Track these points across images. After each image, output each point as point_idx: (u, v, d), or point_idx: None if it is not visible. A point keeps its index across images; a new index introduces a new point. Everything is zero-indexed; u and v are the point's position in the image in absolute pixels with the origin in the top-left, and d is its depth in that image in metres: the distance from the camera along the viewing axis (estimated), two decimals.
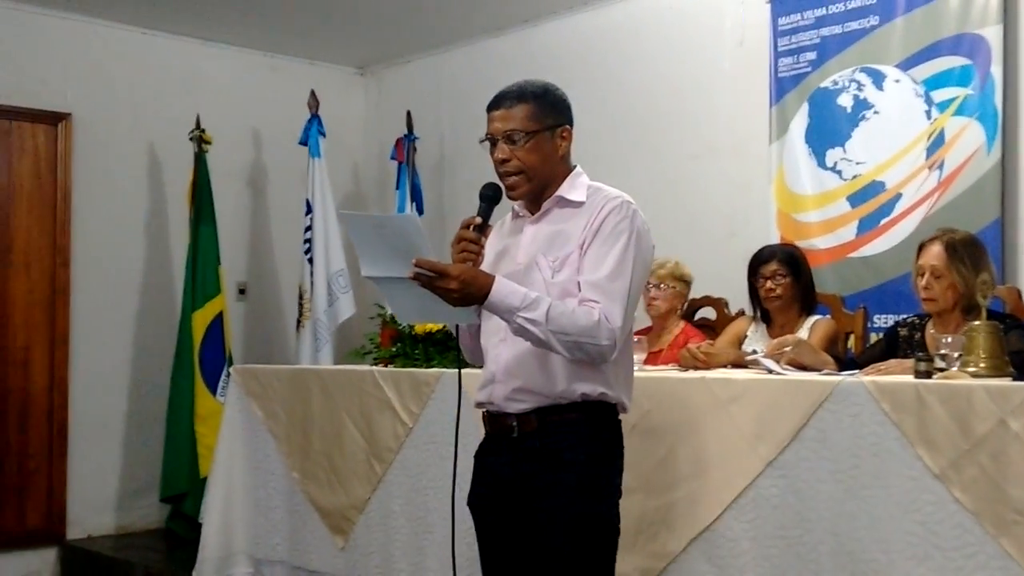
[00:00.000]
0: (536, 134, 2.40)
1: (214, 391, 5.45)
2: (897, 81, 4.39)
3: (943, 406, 2.48)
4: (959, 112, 4.21)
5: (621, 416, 2.46)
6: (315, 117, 5.87)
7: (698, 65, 5.09)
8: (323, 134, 5.88)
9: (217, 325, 5.56)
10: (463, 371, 2.61)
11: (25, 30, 5.48)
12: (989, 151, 4.13)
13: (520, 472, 2.39)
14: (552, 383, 2.36)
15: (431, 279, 2.23)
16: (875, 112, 4.45)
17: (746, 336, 3.97)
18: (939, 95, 4.27)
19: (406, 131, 5.92)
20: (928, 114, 4.30)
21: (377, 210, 6.45)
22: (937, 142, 4.27)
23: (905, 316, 3.56)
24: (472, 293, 2.25)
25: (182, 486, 5.44)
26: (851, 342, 3.96)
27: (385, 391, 3.76)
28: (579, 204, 2.41)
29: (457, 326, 2.59)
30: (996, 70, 4.12)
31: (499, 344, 2.43)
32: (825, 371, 3.09)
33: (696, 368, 3.38)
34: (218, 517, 4.21)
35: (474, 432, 2.61)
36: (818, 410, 2.69)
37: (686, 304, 4.38)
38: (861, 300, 4.22)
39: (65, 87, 5.59)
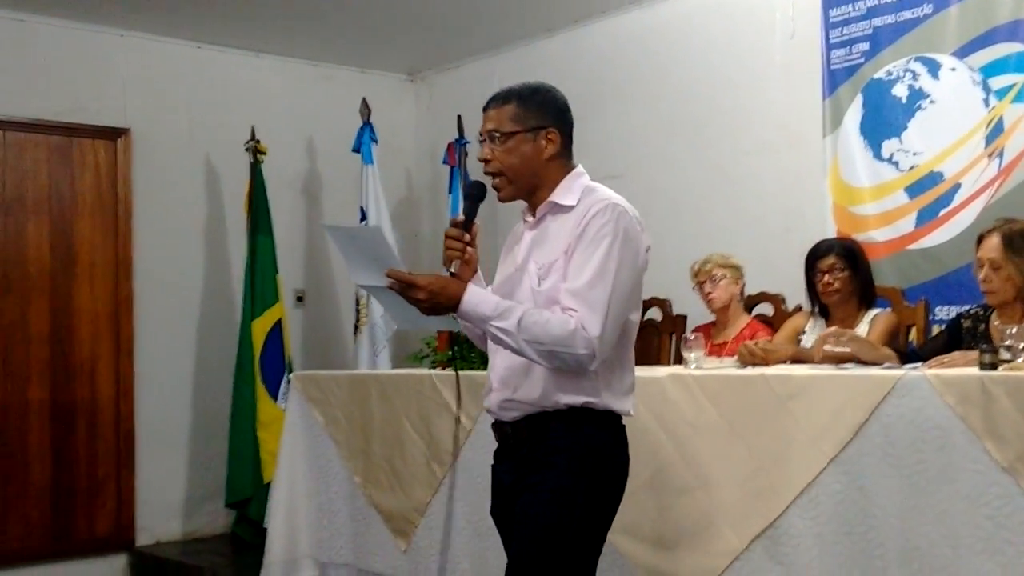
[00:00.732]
0: (513, 136, 2.38)
1: (275, 397, 5.52)
2: (953, 69, 4.32)
3: (1010, 398, 2.44)
4: (1018, 99, 4.13)
5: (625, 420, 2.43)
6: (367, 124, 5.92)
7: (750, 60, 5.05)
8: (375, 141, 5.93)
9: (276, 333, 5.63)
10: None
11: (83, 49, 5.60)
12: None
13: (517, 478, 2.40)
14: (535, 392, 2.35)
15: (400, 289, 2.27)
16: (931, 101, 4.38)
17: (804, 332, 3.94)
18: (996, 82, 4.19)
19: (457, 135, 5.94)
20: (986, 102, 4.22)
21: (430, 215, 6.49)
22: (996, 130, 4.19)
23: (968, 307, 3.50)
24: (441, 303, 2.27)
25: (246, 491, 5.51)
26: (912, 335, 3.90)
27: (443, 394, 3.78)
28: (570, 208, 2.37)
29: (457, 332, 2.62)
30: None
31: (495, 353, 2.45)
32: (886, 365, 3.05)
33: (754, 364, 3.35)
34: (282, 521, 4.26)
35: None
36: (881, 404, 2.66)
37: (744, 291, 4.37)
38: (922, 292, 4.16)
39: (123, 103, 5.69)
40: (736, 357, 3.50)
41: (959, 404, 2.52)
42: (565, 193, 2.40)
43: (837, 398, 2.76)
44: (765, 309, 4.51)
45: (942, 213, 4.34)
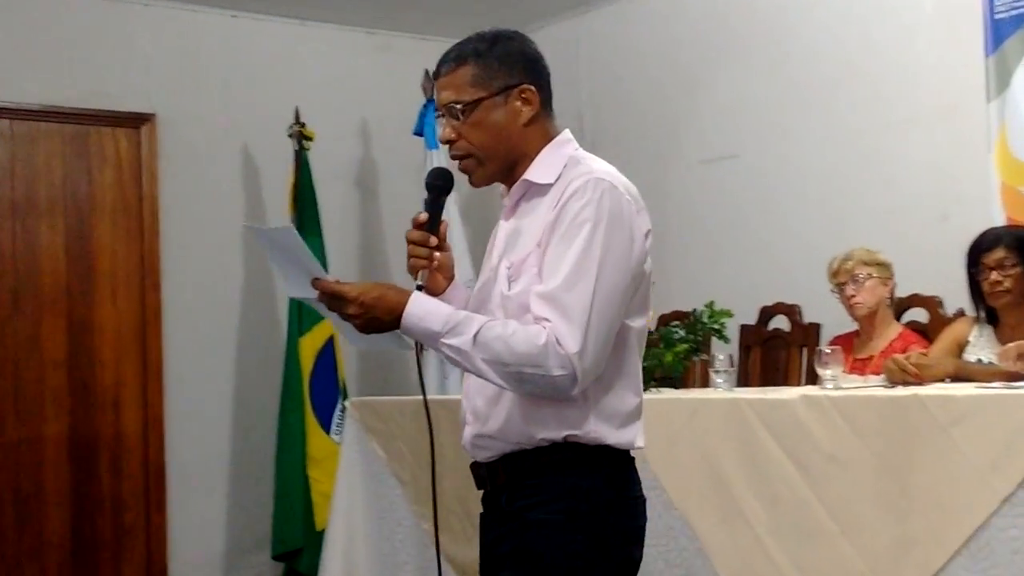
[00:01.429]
0: (478, 104, 2.22)
1: (328, 428, 5.58)
2: None
3: None
4: None
5: (634, 454, 2.27)
6: (431, 102, 5.95)
7: (894, 11, 4.97)
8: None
9: (328, 352, 5.69)
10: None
11: (100, 23, 5.73)
12: None
13: (494, 533, 2.29)
14: (508, 425, 2.21)
15: (328, 303, 2.19)
16: None
17: (968, 342, 3.87)
18: None
19: None
20: None
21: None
22: None
23: None
24: (377, 317, 2.15)
25: (296, 541, 5.58)
26: None
27: None
28: (547, 188, 2.22)
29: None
30: None
31: (468, 376, 2.27)
32: None
33: (906, 383, 3.29)
34: None
35: None
36: None
37: (893, 294, 4.32)
38: None
39: (147, 84, 5.81)
40: (884, 374, 3.44)
41: None
42: (542, 168, 2.25)
43: (1011, 423, 2.70)
44: (919, 315, 4.45)
45: None
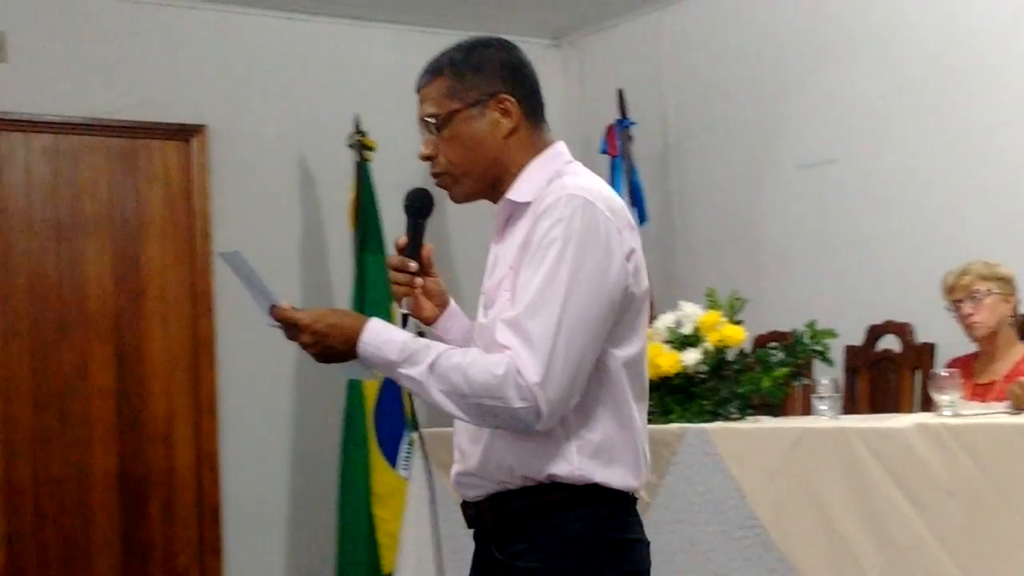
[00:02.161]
0: (454, 115, 2.26)
1: (394, 463, 5.59)
2: None
3: None
4: None
5: (638, 496, 2.26)
6: None
7: (1006, 6, 4.90)
8: None
9: (393, 381, 5.69)
10: None
11: (145, 29, 5.82)
12: None
13: None
14: (486, 461, 2.22)
15: (286, 331, 2.23)
16: None
17: None
18: None
19: (618, 115, 5.93)
20: None
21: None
22: None
23: None
24: (333, 346, 2.19)
25: None
26: None
27: None
28: (527, 207, 2.21)
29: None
30: None
31: None
32: None
33: None
34: None
35: None
36: None
37: (1016, 312, 4.26)
38: None
39: (196, 94, 5.89)
40: (1008, 400, 3.38)
41: None
42: (524, 185, 2.24)
43: None
44: None
45: None
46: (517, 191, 2.24)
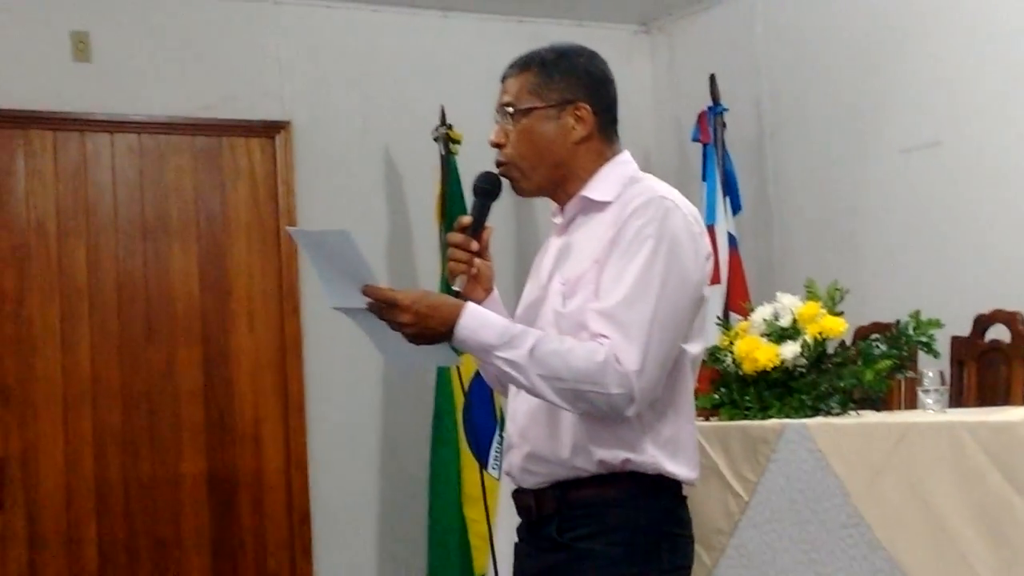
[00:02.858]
0: (530, 112, 2.41)
1: (485, 463, 5.59)
2: None
3: None
4: None
5: (686, 490, 2.39)
6: None
7: None
8: None
9: (483, 378, 5.69)
10: None
11: (226, 24, 5.89)
12: None
13: (540, 565, 2.40)
14: (563, 447, 2.34)
15: (380, 310, 2.27)
16: None
17: None
18: None
19: (711, 102, 5.88)
20: None
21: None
22: None
23: None
24: (431, 327, 2.27)
25: None
26: None
27: (710, 453, 3.75)
28: (605, 205, 2.39)
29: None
30: None
31: (517, 395, 2.43)
32: None
33: None
34: None
35: None
36: None
37: None
38: None
39: (280, 89, 5.95)
40: None
41: None
42: (601, 185, 2.41)
43: None
44: None
45: None
46: (593, 190, 2.41)
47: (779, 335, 3.93)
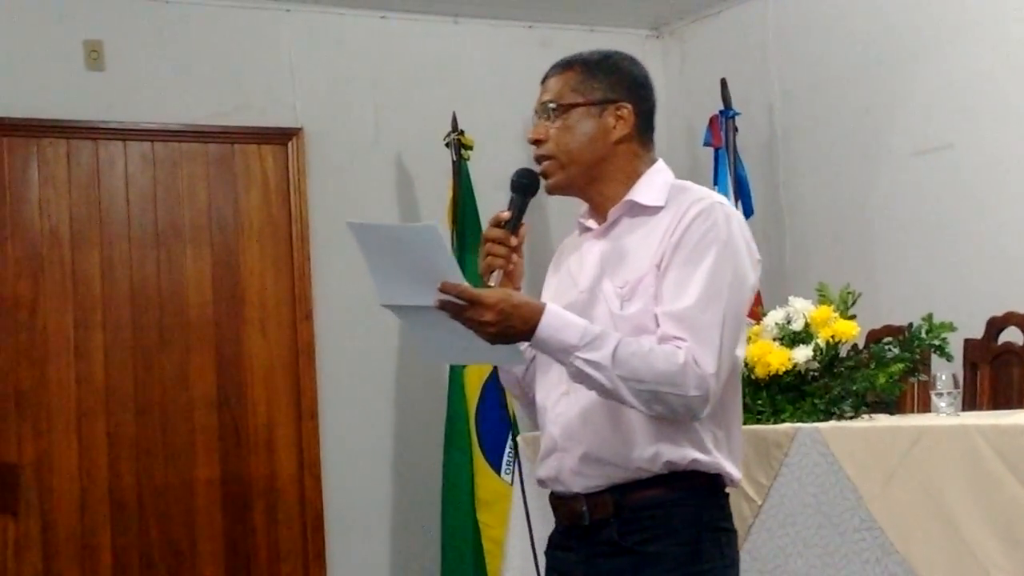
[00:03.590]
0: (572, 108, 2.44)
1: (498, 468, 5.59)
2: None
3: None
4: None
5: (728, 490, 2.41)
6: None
7: None
8: None
9: (495, 381, 5.66)
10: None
11: (241, 32, 5.89)
12: None
13: (596, 572, 2.38)
14: (627, 447, 2.34)
15: (459, 308, 2.24)
16: None
17: None
18: None
19: (722, 106, 5.87)
20: None
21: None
22: None
23: None
24: (514, 326, 2.26)
25: None
26: None
27: None
28: (656, 210, 2.40)
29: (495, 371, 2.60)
30: None
31: (561, 398, 2.42)
32: None
33: None
34: None
35: None
36: None
37: None
38: None
39: (292, 96, 5.95)
40: None
41: None
42: (647, 191, 2.43)
43: None
44: None
45: None
46: (641, 195, 2.43)
47: (791, 339, 3.93)
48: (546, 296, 2.56)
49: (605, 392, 2.27)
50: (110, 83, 5.62)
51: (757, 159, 6.07)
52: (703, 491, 2.36)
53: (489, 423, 5.65)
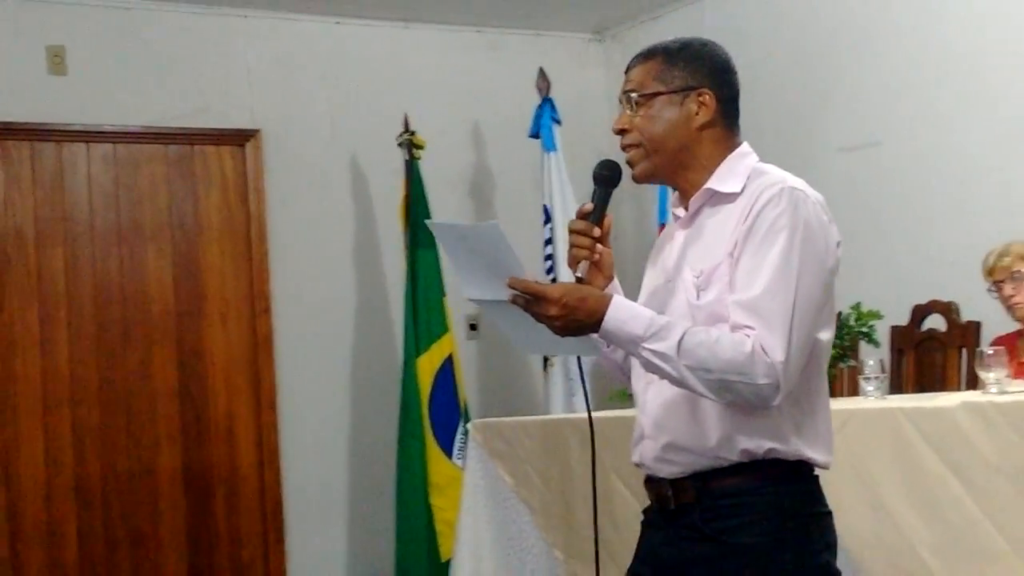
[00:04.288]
0: (655, 97, 2.38)
1: (449, 453, 5.60)
2: None
3: None
4: None
5: (818, 472, 2.35)
6: (546, 101, 5.96)
7: None
8: (558, 121, 5.96)
9: (447, 371, 5.72)
10: None
11: (200, 38, 5.88)
12: None
13: (681, 555, 2.34)
14: (705, 436, 2.28)
15: (527, 303, 2.23)
16: None
17: None
18: None
19: None
20: None
21: (631, 210, 6.47)
22: None
23: None
24: (579, 320, 2.22)
25: (420, 572, 5.61)
26: None
27: None
28: (733, 196, 2.33)
29: (579, 360, 2.54)
30: None
31: (647, 388, 2.39)
32: None
33: None
34: None
35: None
36: None
37: None
38: None
39: (249, 99, 5.94)
40: None
41: None
42: (727, 177, 2.36)
43: None
44: None
45: None
46: (720, 182, 2.35)
47: None
48: (646, 281, 2.50)
49: (676, 382, 2.22)
50: (72, 87, 5.60)
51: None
52: (784, 478, 2.28)
53: (441, 410, 5.67)
